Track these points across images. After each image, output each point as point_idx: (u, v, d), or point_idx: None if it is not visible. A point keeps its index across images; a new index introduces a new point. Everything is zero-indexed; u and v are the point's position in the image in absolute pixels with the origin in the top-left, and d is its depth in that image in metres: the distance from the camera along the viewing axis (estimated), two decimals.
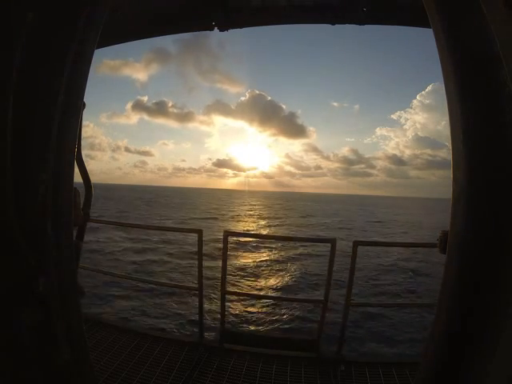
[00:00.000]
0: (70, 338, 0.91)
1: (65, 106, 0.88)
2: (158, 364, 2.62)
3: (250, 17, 2.38)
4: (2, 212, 0.79)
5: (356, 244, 2.74)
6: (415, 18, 2.13)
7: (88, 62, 0.97)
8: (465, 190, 0.86)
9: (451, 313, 0.90)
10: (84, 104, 1.08)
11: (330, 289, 2.81)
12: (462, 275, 0.88)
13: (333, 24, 2.29)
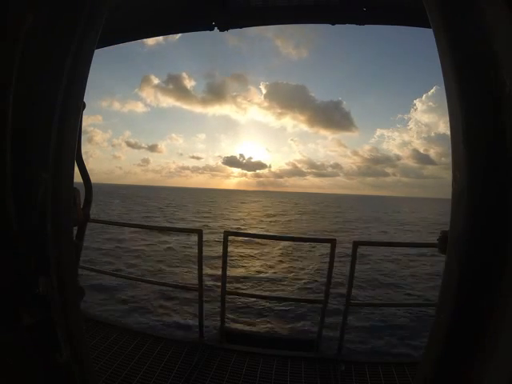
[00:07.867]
0: (70, 338, 0.91)
1: (65, 106, 0.88)
2: (158, 364, 2.61)
3: (250, 17, 2.39)
4: (2, 212, 0.80)
5: (356, 244, 2.74)
6: (415, 18, 2.13)
7: (88, 63, 0.97)
8: (465, 190, 0.86)
9: (451, 313, 0.90)
10: (84, 104, 1.08)
11: (330, 289, 2.81)
12: (462, 275, 0.88)
13: (333, 24, 2.30)
